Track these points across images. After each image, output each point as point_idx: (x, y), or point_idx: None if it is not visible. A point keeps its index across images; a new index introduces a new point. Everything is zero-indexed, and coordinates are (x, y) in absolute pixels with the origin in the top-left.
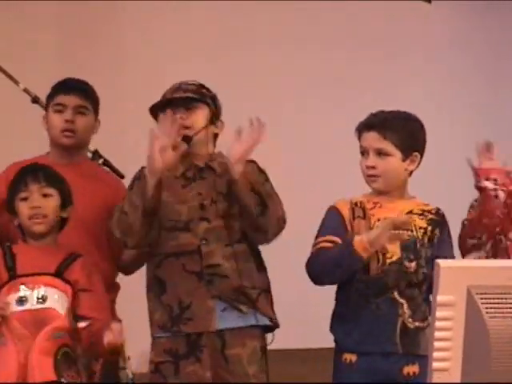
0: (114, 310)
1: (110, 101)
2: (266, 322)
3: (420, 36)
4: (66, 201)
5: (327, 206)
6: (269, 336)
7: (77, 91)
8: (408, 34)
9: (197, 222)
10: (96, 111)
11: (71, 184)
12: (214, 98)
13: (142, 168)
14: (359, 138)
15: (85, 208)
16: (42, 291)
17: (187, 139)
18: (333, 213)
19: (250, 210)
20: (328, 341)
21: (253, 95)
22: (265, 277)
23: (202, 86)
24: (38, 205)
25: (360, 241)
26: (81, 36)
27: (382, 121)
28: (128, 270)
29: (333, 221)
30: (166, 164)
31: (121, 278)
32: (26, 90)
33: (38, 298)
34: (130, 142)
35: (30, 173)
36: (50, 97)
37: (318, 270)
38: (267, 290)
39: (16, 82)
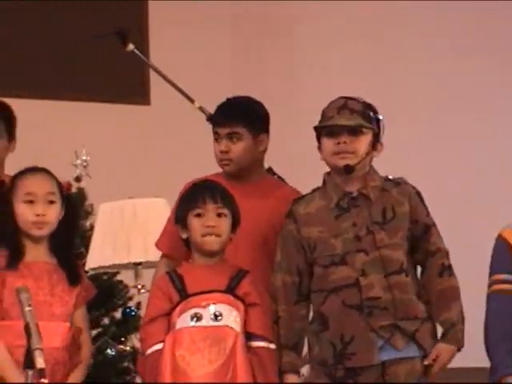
0: None
1: (282, 118)
2: (423, 354)
3: None
4: (235, 222)
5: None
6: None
7: (228, 120)
8: None
9: (353, 255)
10: (253, 130)
11: (242, 201)
12: (378, 120)
13: None
14: None
15: (256, 224)
16: (216, 308)
17: (349, 169)
18: (499, 244)
19: None
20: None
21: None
22: (424, 306)
23: (369, 106)
24: (213, 224)
25: None
26: (254, 55)
27: None
28: None
29: (500, 254)
30: None
31: None
32: (201, 109)
33: (212, 316)
34: (302, 154)
35: (207, 190)
36: (211, 123)
37: (486, 321)
38: (428, 319)
39: (191, 101)
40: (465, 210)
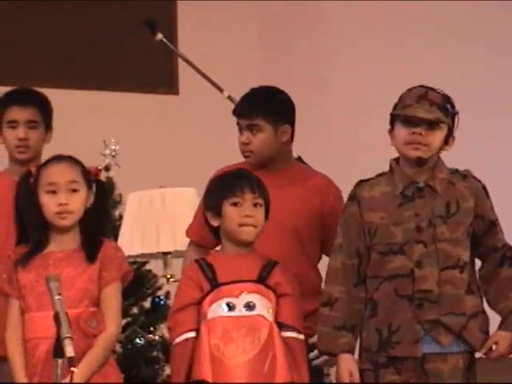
0: None
1: (311, 110)
2: (467, 349)
3: None
4: (267, 212)
5: None
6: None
7: (248, 111)
8: None
9: (412, 245)
10: (273, 122)
11: (269, 190)
12: (454, 115)
13: None
14: None
15: (285, 214)
16: (248, 298)
17: (421, 161)
18: None
19: None
20: None
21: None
22: (476, 300)
23: (448, 99)
24: (251, 214)
25: None
26: (283, 43)
27: None
28: None
29: None
30: None
31: None
32: (230, 98)
33: (245, 305)
34: (328, 148)
35: (245, 179)
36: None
37: None
38: (478, 313)
39: (220, 90)
40: None
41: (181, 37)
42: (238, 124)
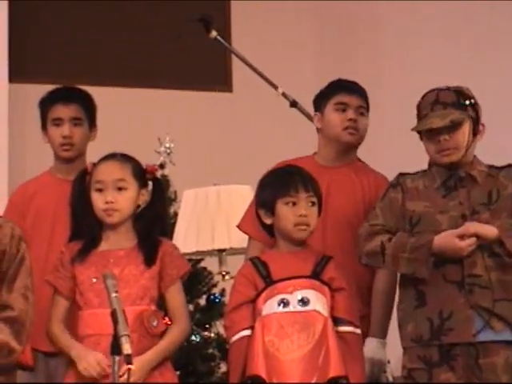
0: None
1: None
2: None
3: None
4: (320, 210)
5: None
6: None
7: (360, 92)
8: None
9: None
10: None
11: (331, 187)
12: (473, 105)
13: None
14: None
15: (340, 208)
16: (302, 294)
17: (454, 165)
18: None
19: None
20: None
21: None
22: None
23: (461, 93)
24: (305, 213)
25: None
26: (336, 40)
27: None
28: None
29: None
30: None
31: None
32: (284, 95)
33: (299, 301)
34: (382, 150)
35: (299, 177)
36: (329, 95)
37: None
38: None
39: (275, 87)
40: None
41: (234, 34)
42: (340, 103)
